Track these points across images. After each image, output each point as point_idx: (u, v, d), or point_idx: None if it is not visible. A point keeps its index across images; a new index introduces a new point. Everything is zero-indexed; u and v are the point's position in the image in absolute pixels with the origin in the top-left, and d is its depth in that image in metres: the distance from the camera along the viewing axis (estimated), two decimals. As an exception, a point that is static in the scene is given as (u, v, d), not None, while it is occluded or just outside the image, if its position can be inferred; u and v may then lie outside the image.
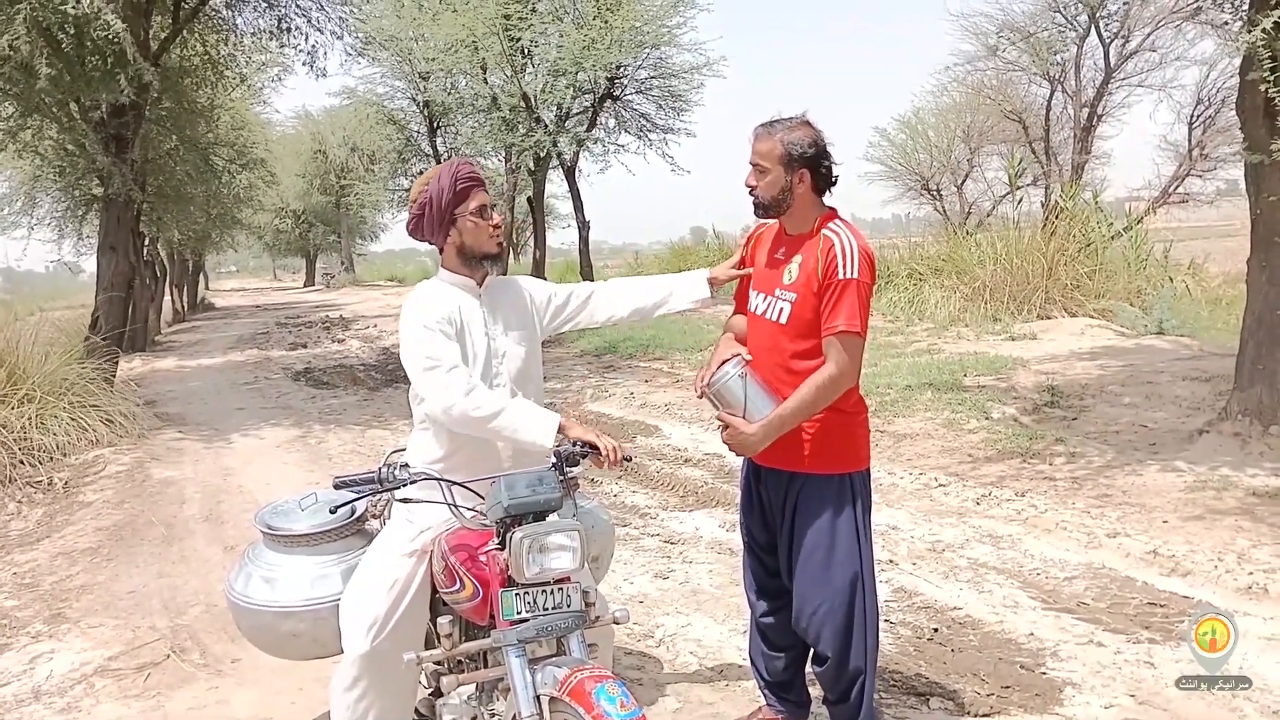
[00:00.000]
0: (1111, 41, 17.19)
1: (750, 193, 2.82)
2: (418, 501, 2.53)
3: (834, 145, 2.79)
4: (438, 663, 2.77)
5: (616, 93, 17.28)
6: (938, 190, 25.59)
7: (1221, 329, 10.55)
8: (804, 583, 2.85)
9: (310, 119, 38.65)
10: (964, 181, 25.18)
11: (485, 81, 16.97)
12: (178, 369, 15.32)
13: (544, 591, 2.36)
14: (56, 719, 3.57)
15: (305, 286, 50.47)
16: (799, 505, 2.86)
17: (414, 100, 21.80)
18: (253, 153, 21.12)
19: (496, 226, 2.74)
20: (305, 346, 17.86)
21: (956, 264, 13.73)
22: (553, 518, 2.43)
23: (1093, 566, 4.65)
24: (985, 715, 3.35)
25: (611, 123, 18.14)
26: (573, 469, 2.67)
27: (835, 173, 2.78)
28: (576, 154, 17.96)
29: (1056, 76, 18.70)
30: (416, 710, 2.88)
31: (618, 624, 2.54)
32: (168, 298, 26.76)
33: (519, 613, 2.34)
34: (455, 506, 2.49)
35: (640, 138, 17.96)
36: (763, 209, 2.83)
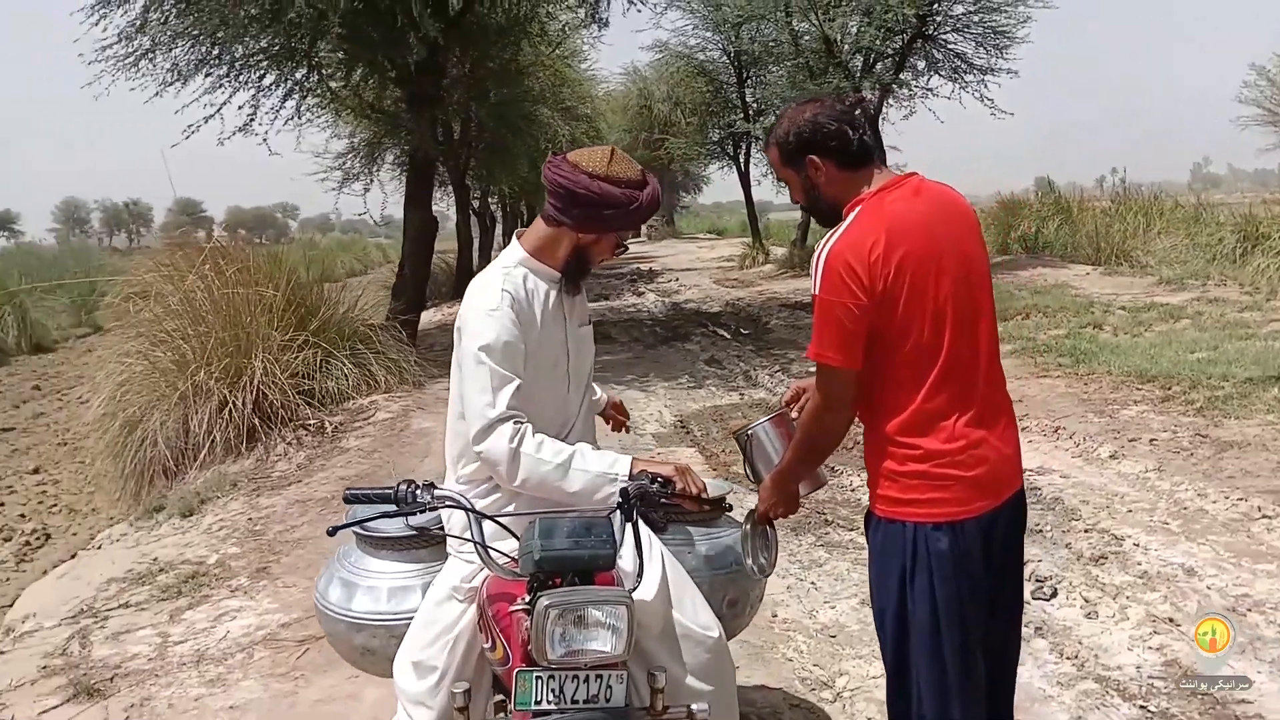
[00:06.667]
0: None
1: (801, 210, 2.46)
2: (439, 532, 2.10)
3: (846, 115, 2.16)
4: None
5: (929, 31, 15.77)
6: (1334, 137, 21.41)
7: None
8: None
9: (638, 74, 39.60)
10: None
11: (790, 26, 16.21)
12: (489, 317, 16.15)
13: (575, 678, 1.83)
14: (201, 690, 3.56)
15: (630, 239, 52.56)
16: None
17: (724, 51, 21.63)
18: (571, 108, 21.78)
19: (604, 259, 2.43)
20: (606, 299, 18.21)
21: (1348, 225, 11.19)
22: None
23: None
24: None
25: (921, 65, 16.66)
26: (650, 510, 2.12)
27: (850, 138, 2.15)
28: (881, 100, 16.64)
29: None
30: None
31: None
32: (498, 248, 28.65)
33: (538, 702, 1.82)
34: (483, 546, 2.01)
35: (953, 80, 16.36)
36: (819, 217, 2.33)
